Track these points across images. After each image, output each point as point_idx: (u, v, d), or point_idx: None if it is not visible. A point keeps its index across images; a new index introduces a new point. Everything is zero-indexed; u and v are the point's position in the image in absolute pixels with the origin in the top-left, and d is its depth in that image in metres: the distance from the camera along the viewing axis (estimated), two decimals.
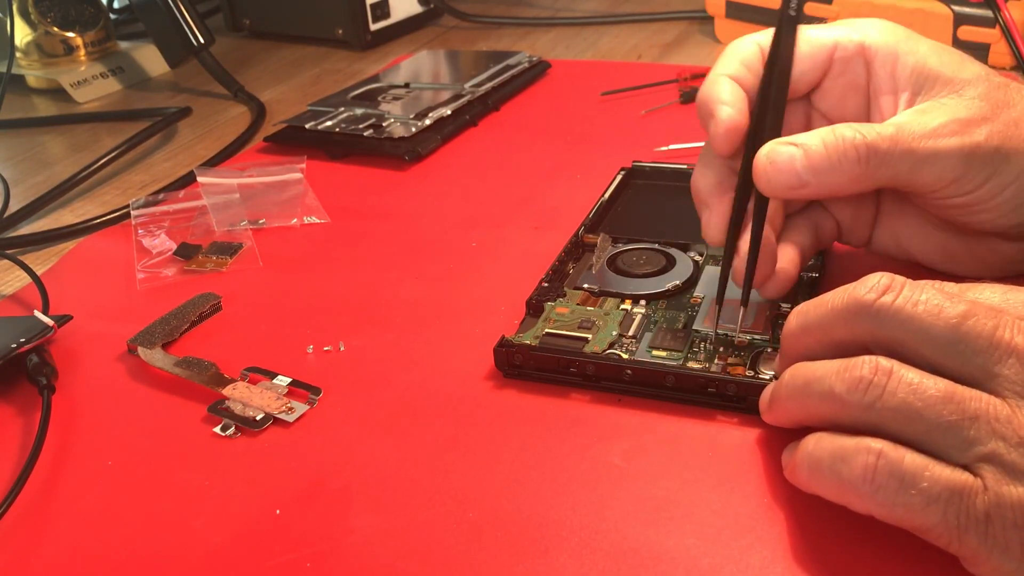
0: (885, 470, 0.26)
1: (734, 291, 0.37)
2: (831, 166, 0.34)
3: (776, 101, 0.36)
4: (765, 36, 0.38)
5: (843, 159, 0.34)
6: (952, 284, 0.30)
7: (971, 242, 0.38)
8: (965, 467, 0.26)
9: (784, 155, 0.34)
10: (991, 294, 0.29)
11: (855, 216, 0.40)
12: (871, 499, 0.26)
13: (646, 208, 0.50)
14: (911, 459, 0.26)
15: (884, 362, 0.27)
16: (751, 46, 0.38)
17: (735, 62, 0.38)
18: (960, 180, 0.34)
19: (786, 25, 0.36)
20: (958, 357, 0.27)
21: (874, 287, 0.28)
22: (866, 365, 0.27)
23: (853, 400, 0.27)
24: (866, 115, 0.38)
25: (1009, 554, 0.25)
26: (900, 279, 0.28)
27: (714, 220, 0.37)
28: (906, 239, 0.40)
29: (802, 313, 0.31)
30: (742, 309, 0.37)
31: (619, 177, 0.52)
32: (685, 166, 0.52)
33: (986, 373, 0.26)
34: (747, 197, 0.36)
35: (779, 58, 0.36)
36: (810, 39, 0.37)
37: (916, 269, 0.40)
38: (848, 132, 0.34)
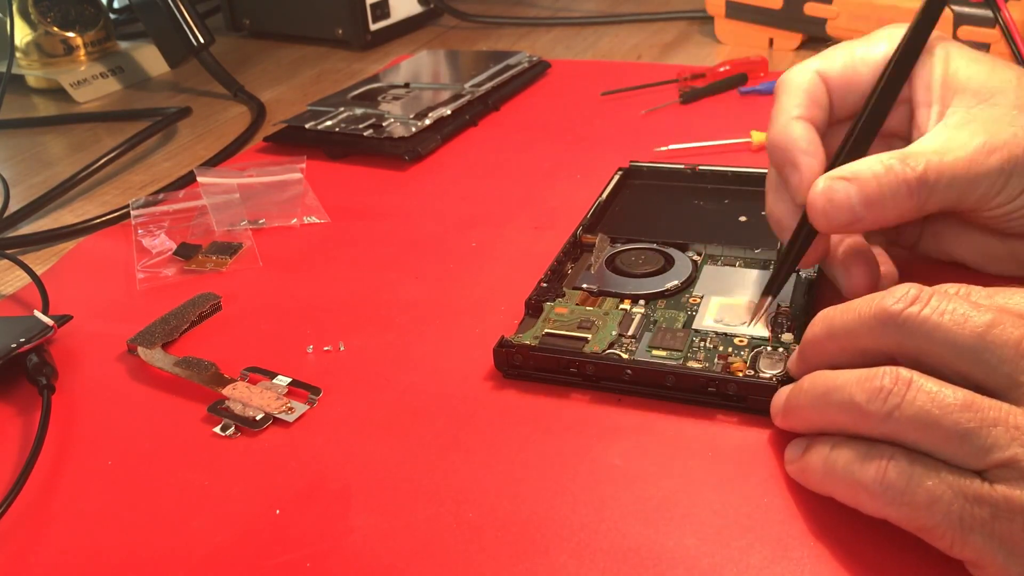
0: (895, 469, 0.27)
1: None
2: (884, 201, 0.34)
3: (862, 135, 0.36)
4: (823, 63, 0.38)
5: (896, 193, 0.33)
6: (981, 288, 0.30)
7: (1012, 244, 0.38)
8: (980, 473, 0.26)
9: (841, 192, 0.34)
10: (1021, 299, 0.29)
11: (902, 227, 0.40)
12: (881, 498, 0.27)
13: (644, 208, 0.50)
14: (923, 461, 0.26)
15: (904, 372, 0.27)
16: (813, 78, 0.38)
17: (803, 99, 0.37)
18: (1002, 193, 0.34)
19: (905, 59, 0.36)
20: (983, 366, 0.27)
21: (902, 298, 0.28)
22: (887, 376, 0.27)
23: (872, 409, 0.27)
24: (909, 126, 0.38)
25: (1016, 556, 0.25)
26: (928, 290, 0.28)
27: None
28: (948, 244, 0.39)
29: (828, 319, 0.31)
30: (769, 299, 0.38)
31: (616, 177, 0.52)
32: (683, 166, 0.52)
33: (1012, 382, 0.26)
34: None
35: (884, 97, 0.36)
36: (864, 60, 0.37)
37: (946, 266, 0.40)
38: (897, 165, 0.33)
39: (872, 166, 0.34)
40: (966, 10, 0.68)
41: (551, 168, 0.58)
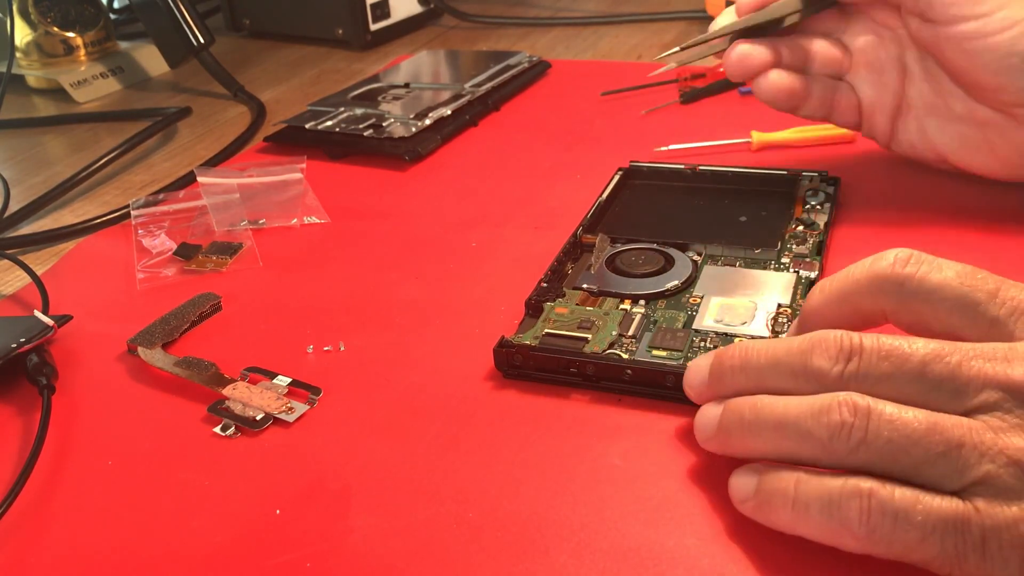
0: (878, 510, 0.26)
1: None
2: None
3: None
4: None
5: None
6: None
7: (987, 132, 0.43)
8: (957, 493, 0.26)
9: None
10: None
11: (877, 98, 0.46)
12: (867, 540, 0.26)
13: (644, 208, 0.50)
14: (901, 495, 0.26)
15: (859, 401, 0.27)
16: None
17: None
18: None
19: None
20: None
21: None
22: (843, 408, 0.27)
23: (837, 446, 0.27)
24: None
25: (1011, 570, 0.25)
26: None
27: None
28: (931, 133, 0.45)
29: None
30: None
31: (616, 177, 0.52)
32: (683, 166, 0.52)
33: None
34: None
35: None
36: None
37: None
38: None
39: None
40: None
41: (551, 168, 0.58)
